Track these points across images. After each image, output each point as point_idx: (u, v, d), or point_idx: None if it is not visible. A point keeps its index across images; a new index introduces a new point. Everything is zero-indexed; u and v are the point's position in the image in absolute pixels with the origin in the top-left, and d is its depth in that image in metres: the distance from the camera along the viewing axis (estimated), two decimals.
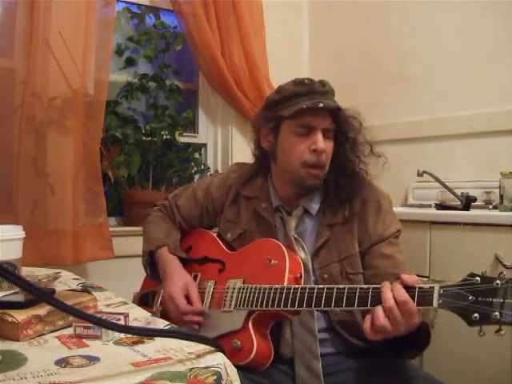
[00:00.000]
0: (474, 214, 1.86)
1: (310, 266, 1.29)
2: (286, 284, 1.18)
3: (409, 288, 1.01)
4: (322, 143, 1.27)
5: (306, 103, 1.26)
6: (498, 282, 0.93)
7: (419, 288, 1.01)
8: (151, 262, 1.46)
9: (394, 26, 2.60)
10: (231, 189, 1.45)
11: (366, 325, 1.04)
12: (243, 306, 1.21)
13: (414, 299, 1.00)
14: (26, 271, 1.30)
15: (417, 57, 2.48)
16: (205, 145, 2.85)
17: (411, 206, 2.33)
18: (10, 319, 0.86)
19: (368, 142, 1.36)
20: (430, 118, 2.40)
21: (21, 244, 1.16)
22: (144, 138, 2.42)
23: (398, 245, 1.34)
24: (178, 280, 1.33)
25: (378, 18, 2.67)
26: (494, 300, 0.93)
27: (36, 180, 2.03)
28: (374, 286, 1.07)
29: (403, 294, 1.00)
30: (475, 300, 0.94)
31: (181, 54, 2.67)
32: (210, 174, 2.68)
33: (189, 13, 2.48)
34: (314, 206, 1.34)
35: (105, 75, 2.21)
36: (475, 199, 1.97)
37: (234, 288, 1.26)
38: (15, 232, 1.15)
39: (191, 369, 0.73)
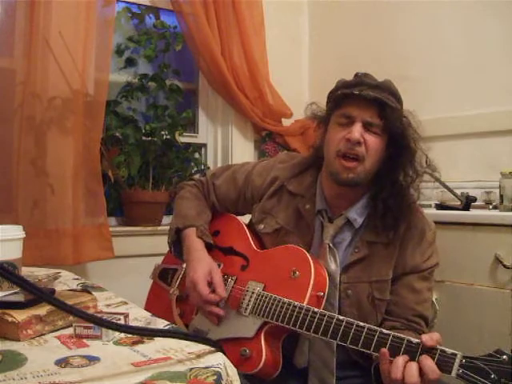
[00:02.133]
0: (473, 214, 1.86)
1: (338, 280, 1.24)
2: (306, 300, 1.14)
3: (429, 349, 0.95)
4: (357, 133, 1.19)
5: (345, 90, 1.22)
6: None
7: (441, 351, 0.94)
8: (177, 239, 1.42)
9: (394, 26, 2.60)
10: (276, 180, 1.38)
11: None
12: (259, 314, 1.18)
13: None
14: (26, 271, 1.30)
15: (417, 57, 2.48)
16: (205, 145, 2.85)
17: None
18: (9, 319, 0.86)
19: (424, 152, 1.29)
20: (430, 117, 2.40)
21: (21, 244, 1.16)
22: (144, 138, 2.42)
23: (431, 281, 1.28)
24: (203, 266, 1.29)
25: (378, 18, 2.67)
26: None
27: (36, 180, 2.02)
28: (394, 334, 1.01)
29: (435, 371, 0.92)
30: (497, 380, 0.88)
31: (181, 53, 2.67)
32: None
33: (189, 13, 2.48)
34: (358, 219, 1.27)
35: (105, 75, 2.21)
36: (475, 199, 1.97)
37: (253, 292, 1.23)
38: (15, 232, 1.15)
39: (191, 369, 0.73)
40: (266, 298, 1.19)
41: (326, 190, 1.32)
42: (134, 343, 0.86)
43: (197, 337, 0.85)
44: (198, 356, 0.79)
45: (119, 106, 2.44)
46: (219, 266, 1.35)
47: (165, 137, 2.47)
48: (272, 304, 1.16)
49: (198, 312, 1.33)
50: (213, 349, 0.82)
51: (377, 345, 1.01)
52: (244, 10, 2.59)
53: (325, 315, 1.09)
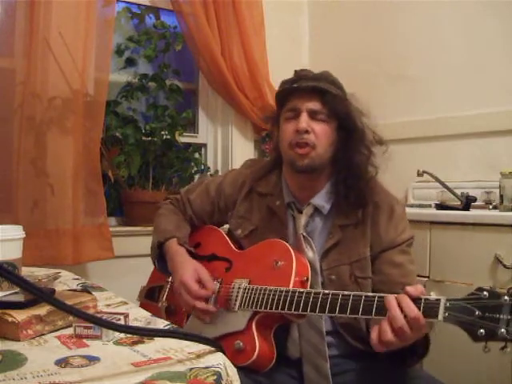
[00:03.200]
0: (473, 213, 1.86)
1: (318, 266, 1.28)
2: (291, 287, 1.17)
3: (415, 299, 0.99)
4: (304, 122, 1.27)
5: (286, 86, 1.30)
6: (506, 298, 0.91)
7: (425, 300, 0.98)
8: (160, 255, 1.44)
9: (394, 26, 2.60)
10: (244, 185, 1.44)
11: (373, 337, 1.02)
12: (248, 306, 1.21)
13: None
14: (26, 271, 1.30)
15: (417, 57, 2.48)
16: (205, 145, 2.85)
17: (411, 206, 2.33)
18: (10, 319, 0.86)
19: (372, 129, 1.33)
20: (430, 117, 2.40)
21: (21, 244, 1.16)
22: (144, 138, 2.42)
23: (410, 253, 1.31)
24: (188, 267, 1.31)
25: (378, 18, 2.67)
26: (501, 316, 0.90)
27: (36, 180, 2.03)
28: (379, 294, 1.05)
29: (414, 310, 0.97)
30: (482, 315, 0.92)
31: (181, 53, 2.67)
32: (211, 175, 2.68)
33: (189, 13, 2.48)
34: (325, 206, 1.32)
35: (105, 75, 2.21)
36: (475, 199, 1.97)
37: (239, 288, 1.25)
38: (15, 232, 1.15)
39: (191, 369, 0.73)
40: (252, 290, 1.22)
41: (290, 183, 1.38)
42: (134, 343, 0.86)
43: (197, 337, 0.84)
44: (198, 356, 0.79)
45: (119, 106, 2.44)
46: None
47: (165, 137, 2.47)
48: (259, 294, 1.20)
49: (189, 319, 1.34)
50: (213, 349, 0.82)
51: (364, 309, 1.04)
52: (244, 9, 2.59)
53: (310, 292, 1.13)
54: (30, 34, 2.01)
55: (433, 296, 0.99)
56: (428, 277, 1.87)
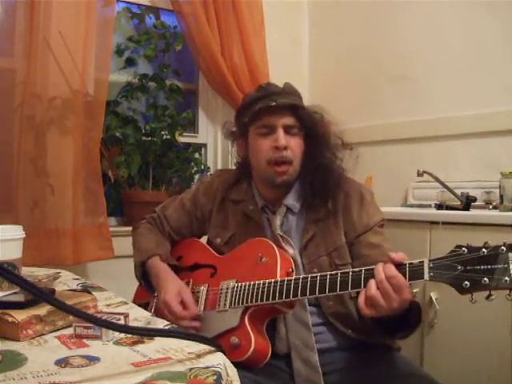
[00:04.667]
0: (473, 214, 1.86)
1: (300, 262, 1.32)
2: (278, 278, 1.20)
3: (400, 265, 1.04)
4: (283, 139, 1.32)
5: (260, 104, 1.33)
6: (483, 250, 0.97)
7: (410, 264, 1.04)
8: (143, 273, 1.47)
9: (394, 26, 2.60)
10: (217, 193, 1.49)
11: (360, 299, 1.07)
12: (238, 304, 1.23)
13: (405, 275, 1.03)
14: (26, 271, 1.30)
15: (417, 57, 2.48)
16: (205, 145, 2.85)
17: (411, 206, 2.33)
18: (10, 319, 0.86)
19: (338, 135, 1.40)
20: (430, 117, 2.40)
21: (21, 244, 1.16)
22: (144, 138, 2.42)
23: (384, 234, 1.37)
24: (171, 287, 1.35)
25: (378, 18, 2.67)
26: (482, 267, 0.97)
27: (36, 180, 2.03)
28: (366, 267, 1.10)
29: (392, 269, 1.04)
30: (464, 269, 0.98)
31: (181, 53, 2.67)
32: (210, 175, 2.68)
33: (189, 13, 2.48)
34: (295, 204, 1.38)
35: (105, 75, 2.21)
36: (475, 199, 1.97)
37: (227, 288, 1.28)
38: (15, 232, 1.15)
39: (191, 369, 0.73)
40: (240, 288, 1.25)
41: (262, 192, 1.43)
42: (134, 343, 0.86)
43: (197, 337, 0.84)
44: (198, 356, 0.79)
45: (119, 105, 2.44)
46: (188, 283, 1.41)
47: (165, 137, 2.47)
48: (247, 290, 1.23)
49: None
50: (213, 349, 0.82)
51: (353, 283, 1.09)
52: (244, 9, 2.59)
53: (298, 278, 1.17)
54: (30, 34, 2.01)
55: (415, 260, 1.04)
56: None
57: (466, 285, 0.97)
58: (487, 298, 0.97)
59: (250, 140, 1.39)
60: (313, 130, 1.37)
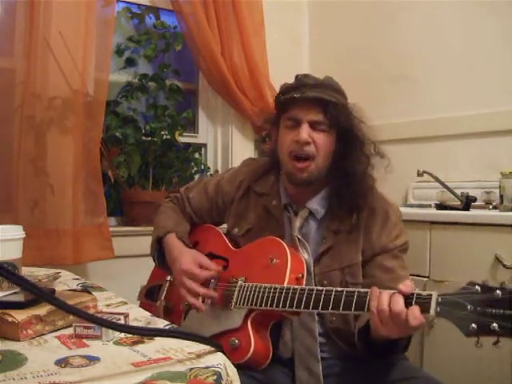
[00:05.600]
0: (473, 214, 1.86)
1: (312, 270, 1.28)
2: (286, 284, 1.17)
3: (407, 296, 0.98)
4: (305, 134, 1.25)
5: (287, 95, 1.28)
6: (498, 292, 0.88)
7: (417, 295, 0.97)
8: (159, 251, 1.45)
9: (394, 26, 2.60)
10: (242, 183, 1.45)
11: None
12: (243, 304, 1.21)
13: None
14: (26, 271, 1.30)
15: (417, 57, 2.48)
16: (205, 145, 2.85)
17: (411, 206, 2.33)
18: (10, 319, 0.86)
19: (372, 140, 1.32)
20: (430, 117, 2.40)
21: (21, 244, 1.16)
22: (144, 138, 2.42)
23: (403, 259, 1.30)
24: (187, 256, 1.33)
25: (378, 18, 2.67)
26: (494, 311, 0.88)
27: (36, 180, 2.03)
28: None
29: (400, 303, 0.97)
30: (474, 310, 0.90)
31: (181, 53, 2.67)
32: (211, 175, 2.68)
33: (189, 13, 2.48)
34: (320, 210, 1.33)
35: (105, 75, 2.21)
36: (475, 199, 1.97)
37: (235, 286, 1.26)
38: (15, 232, 1.15)
39: (191, 369, 0.73)
40: (247, 288, 1.22)
41: (287, 187, 1.38)
42: (134, 343, 0.86)
43: (197, 337, 0.84)
44: (198, 356, 0.79)
45: (119, 105, 2.44)
46: None
47: (165, 137, 2.47)
48: (254, 292, 1.20)
49: (186, 317, 1.35)
50: (213, 349, 0.82)
51: (357, 305, 1.04)
52: (244, 9, 2.59)
53: (304, 289, 1.12)
54: (30, 34, 2.01)
55: (424, 292, 0.98)
56: (428, 277, 1.87)
57: (473, 328, 0.89)
58: (494, 343, 0.89)
59: (280, 132, 1.34)
60: (344, 129, 1.28)
